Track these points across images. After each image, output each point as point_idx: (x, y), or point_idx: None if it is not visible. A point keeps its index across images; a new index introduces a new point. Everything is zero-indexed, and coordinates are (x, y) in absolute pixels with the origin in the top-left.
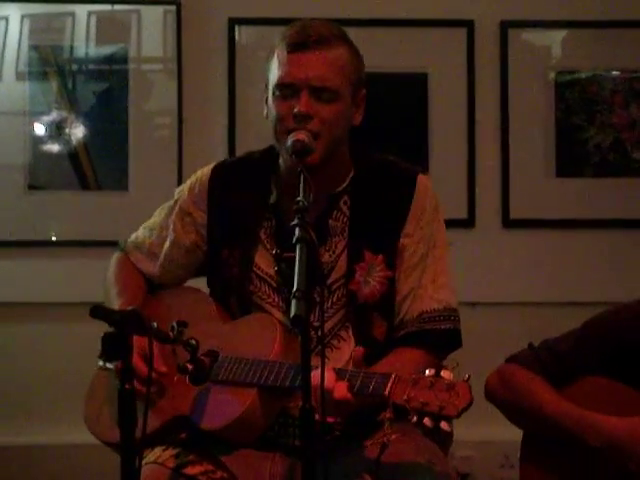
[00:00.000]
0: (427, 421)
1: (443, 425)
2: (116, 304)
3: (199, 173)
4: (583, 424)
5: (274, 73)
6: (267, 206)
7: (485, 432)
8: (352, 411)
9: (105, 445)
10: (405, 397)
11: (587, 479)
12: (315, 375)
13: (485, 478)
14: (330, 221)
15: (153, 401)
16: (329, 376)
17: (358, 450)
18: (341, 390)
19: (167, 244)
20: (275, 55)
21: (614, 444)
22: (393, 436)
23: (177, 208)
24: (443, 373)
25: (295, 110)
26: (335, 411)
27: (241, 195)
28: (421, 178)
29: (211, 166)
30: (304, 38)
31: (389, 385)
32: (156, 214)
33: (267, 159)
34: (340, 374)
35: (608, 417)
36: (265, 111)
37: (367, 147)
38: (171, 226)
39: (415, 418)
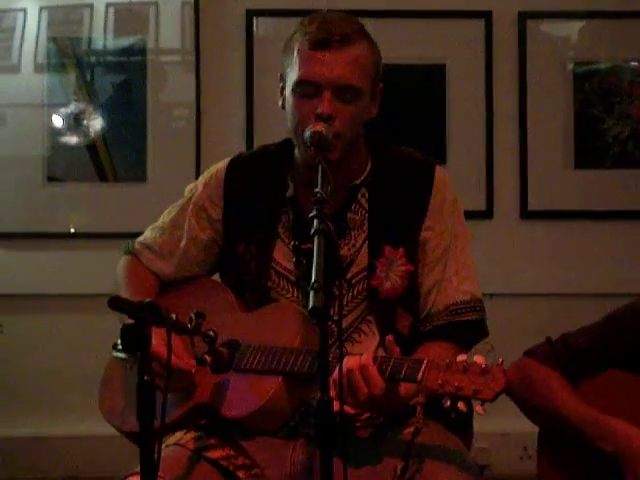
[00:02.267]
0: (461, 405)
1: (478, 409)
2: None
3: (213, 169)
4: (599, 428)
5: (294, 69)
6: (284, 199)
7: (503, 424)
8: (384, 398)
9: (123, 434)
10: (439, 382)
11: (604, 473)
12: (347, 362)
13: (504, 470)
14: (349, 214)
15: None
16: (366, 356)
17: (390, 437)
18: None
19: (183, 242)
20: (295, 50)
21: (626, 452)
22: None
23: (191, 205)
24: (476, 358)
25: (318, 111)
26: (367, 398)
27: (257, 189)
28: (439, 170)
29: (226, 161)
30: (327, 36)
31: (422, 370)
32: (165, 214)
33: (283, 152)
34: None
35: (625, 424)
36: (280, 101)
37: (383, 139)
38: (186, 223)
39: (448, 403)
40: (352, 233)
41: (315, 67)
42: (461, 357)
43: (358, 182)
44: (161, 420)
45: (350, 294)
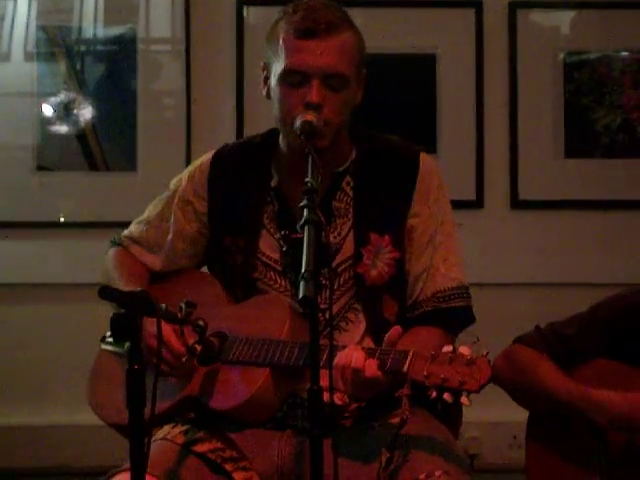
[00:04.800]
0: (447, 396)
1: (463, 400)
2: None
3: (198, 162)
4: (587, 401)
5: (280, 58)
6: (269, 190)
7: (493, 413)
8: (381, 390)
9: (111, 427)
10: (425, 373)
11: (592, 458)
12: (342, 355)
13: (493, 459)
14: (334, 202)
15: (159, 382)
16: (359, 355)
17: (376, 428)
18: (371, 368)
19: (170, 236)
20: (280, 39)
21: (618, 420)
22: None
23: (177, 198)
24: (461, 349)
25: (307, 99)
26: (364, 390)
27: (242, 180)
28: (424, 157)
29: (210, 154)
30: (312, 24)
31: (408, 361)
32: (150, 208)
33: (268, 142)
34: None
35: (610, 393)
36: (265, 91)
37: (366, 126)
38: (172, 217)
39: (434, 394)
40: (337, 221)
41: (302, 56)
42: (447, 348)
43: (342, 169)
44: (151, 407)
45: (336, 282)
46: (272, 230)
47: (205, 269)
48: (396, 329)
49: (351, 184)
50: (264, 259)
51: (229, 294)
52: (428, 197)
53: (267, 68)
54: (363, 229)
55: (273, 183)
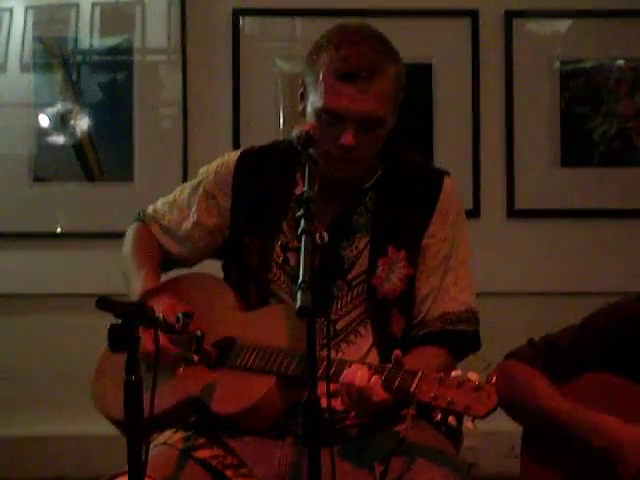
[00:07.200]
0: (452, 420)
1: (468, 424)
2: (136, 278)
3: (226, 156)
4: (586, 424)
5: (318, 91)
6: (292, 197)
7: (491, 422)
8: (385, 409)
9: (111, 423)
10: (432, 394)
11: (586, 473)
12: (347, 373)
13: (491, 468)
14: (355, 217)
15: (163, 383)
16: (363, 373)
17: (377, 438)
18: (378, 392)
19: (189, 224)
20: (320, 73)
21: (614, 445)
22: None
23: (201, 189)
24: (470, 375)
25: (341, 142)
26: (368, 409)
27: (267, 183)
28: (447, 180)
29: (237, 152)
30: (356, 70)
31: (415, 382)
32: (177, 191)
33: (294, 150)
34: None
35: (611, 418)
36: (300, 107)
37: (395, 145)
38: (195, 206)
39: (439, 416)
40: (356, 235)
41: (340, 100)
42: (456, 372)
43: (367, 186)
44: (149, 409)
45: (350, 295)
46: (290, 236)
47: (219, 269)
48: (395, 354)
49: (373, 199)
50: (280, 262)
51: (243, 295)
52: (446, 219)
53: (305, 87)
54: (381, 240)
55: (298, 191)
